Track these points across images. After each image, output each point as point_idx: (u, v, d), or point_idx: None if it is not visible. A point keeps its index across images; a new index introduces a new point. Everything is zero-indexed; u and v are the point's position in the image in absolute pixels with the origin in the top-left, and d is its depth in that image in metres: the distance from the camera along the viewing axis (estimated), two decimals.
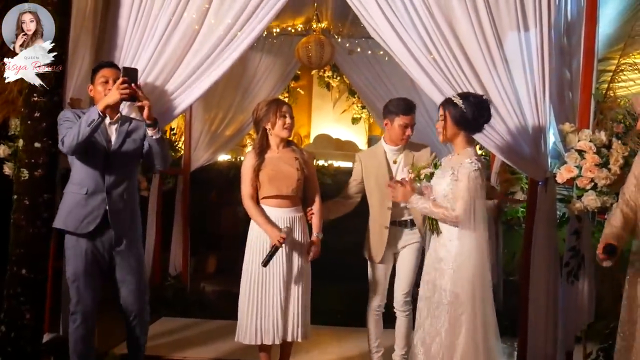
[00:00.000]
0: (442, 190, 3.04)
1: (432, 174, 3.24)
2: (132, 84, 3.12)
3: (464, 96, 3.06)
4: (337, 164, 9.20)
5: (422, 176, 3.27)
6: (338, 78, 9.39)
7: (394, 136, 3.70)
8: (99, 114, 3.07)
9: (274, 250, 3.36)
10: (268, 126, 3.53)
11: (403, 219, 3.70)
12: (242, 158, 7.82)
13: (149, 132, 3.20)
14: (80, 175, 3.22)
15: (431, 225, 3.12)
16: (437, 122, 3.13)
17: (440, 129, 3.08)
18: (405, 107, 3.67)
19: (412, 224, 3.69)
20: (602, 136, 3.28)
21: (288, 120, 3.52)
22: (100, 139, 3.20)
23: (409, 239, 3.69)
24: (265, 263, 3.37)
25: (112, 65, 3.38)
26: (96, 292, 3.28)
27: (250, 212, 3.52)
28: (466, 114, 3.00)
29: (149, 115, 3.16)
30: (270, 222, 3.45)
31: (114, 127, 3.28)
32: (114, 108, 3.24)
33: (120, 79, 3.12)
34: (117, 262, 3.28)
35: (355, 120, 10.25)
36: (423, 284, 3.13)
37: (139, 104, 3.16)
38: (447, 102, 3.08)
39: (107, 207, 3.21)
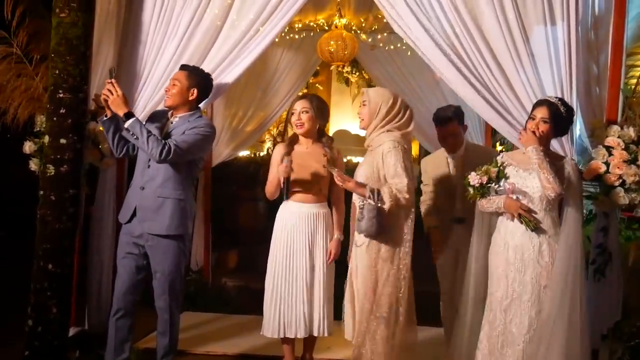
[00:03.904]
0: (540, 190, 3.01)
1: (502, 173, 3.13)
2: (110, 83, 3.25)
3: (562, 101, 3.11)
4: (356, 159, 9.18)
5: (493, 177, 3.13)
6: (357, 73, 9.35)
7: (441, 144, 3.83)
8: (102, 118, 3.32)
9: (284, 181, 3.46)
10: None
11: None
12: (262, 154, 7.86)
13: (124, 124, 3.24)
14: (135, 171, 3.42)
15: (528, 221, 3.03)
16: (535, 123, 3.06)
17: (543, 131, 3.04)
18: (436, 119, 3.80)
19: None
20: (631, 132, 3.23)
21: (295, 117, 3.54)
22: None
23: None
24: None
25: (183, 67, 3.48)
26: (128, 283, 3.36)
27: (269, 184, 3.57)
28: (564, 119, 3.08)
29: (114, 111, 3.23)
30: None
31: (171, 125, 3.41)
32: (174, 108, 3.40)
33: (106, 81, 3.26)
34: (149, 257, 3.36)
35: None
36: (510, 283, 3.08)
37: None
38: (552, 105, 3.06)
39: (137, 202, 3.32)
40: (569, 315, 2.95)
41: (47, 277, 3.30)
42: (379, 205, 3.09)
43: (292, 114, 3.55)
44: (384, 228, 3.12)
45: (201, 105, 3.53)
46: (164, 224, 3.30)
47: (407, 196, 3.11)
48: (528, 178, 3.07)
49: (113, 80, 3.24)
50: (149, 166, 3.33)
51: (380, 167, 3.20)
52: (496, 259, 3.15)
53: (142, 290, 3.45)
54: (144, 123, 3.40)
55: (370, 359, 3.18)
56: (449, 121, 3.73)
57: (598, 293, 3.36)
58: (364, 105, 3.32)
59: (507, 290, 3.07)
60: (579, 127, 3.48)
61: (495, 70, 3.37)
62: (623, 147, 3.20)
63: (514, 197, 3.06)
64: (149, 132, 3.21)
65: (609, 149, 3.24)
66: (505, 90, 3.36)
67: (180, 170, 3.33)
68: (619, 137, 3.23)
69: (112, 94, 3.20)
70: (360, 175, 3.26)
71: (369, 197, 3.10)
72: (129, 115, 3.21)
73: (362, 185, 3.17)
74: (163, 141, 3.21)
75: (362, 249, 3.23)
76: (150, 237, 3.31)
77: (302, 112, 3.52)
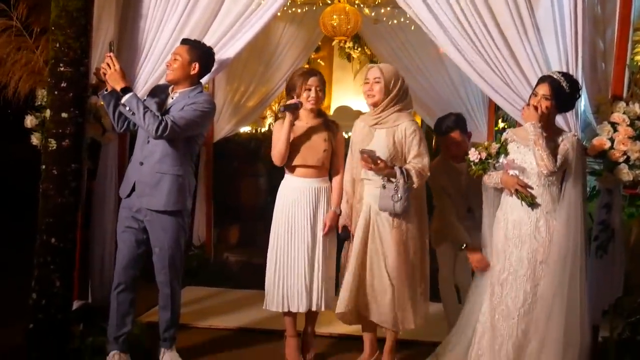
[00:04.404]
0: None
1: (502, 149, 3.18)
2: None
3: (566, 76, 3.06)
4: None
5: (493, 152, 3.20)
6: (359, 49, 9.28)
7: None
8: (102, 92, 3.29)
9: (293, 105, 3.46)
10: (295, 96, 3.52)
11: None
12: (263, 129, 7.83)
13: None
14: (135, 146, 3.41)
15: (524, 197, 3.07)
16: (537, 99, 3.04)
17: (546, 107, 3.02)
18: (437, 128, 3.80)
19: None
20: (637, 108, 3.21)
21: (312, 93, 3.50)
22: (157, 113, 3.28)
23: None
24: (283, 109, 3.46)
25: (184, 41, 3.43)
26: (128, 257, 3.37)
27: (278, 142, 3.51)
28: (568, 95, 3.04)
29: (112, 85, 3.23)
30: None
31: (171, 100, 3.38)
32: (175, 83, 3.37)
33: (106, 55, 3.23)
34: (148, 232, 3.36)
35: None
36: (507, 257, 3.13)
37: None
38: (554, 81, 3.03)
39: (136, 177, 3.31)
40: (568, 291, 2.99)
41: (50, 251, 3.30)
42: (411, 184, 3.24)
43: (308, 89, 3.49)
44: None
45: (203, 80, 3.50)
46: (161, 200, 3.30)
47: (429, 174, 3.34)
48: (527, 154, 3.08)
49: (112, 54, 3.22)
50: (148, 142, 3.32)
51: (403, 146, 3.31)
52: (497, 234, 3.20)
53: (143, 264, 3.46)
54: (144, 98, 3.37)
55: (401, 327, 3.39)
56: (450, 130, 3.71)
57: (600, 269, 3.37)
58: (376, 82, 3.33)
59: (505, 264, 3.13)
60: (583, 103, 3.46)
61: (500, 44, 3.33)
62: (628, 123, 3.18)
63: (512, 172, 3.07)
64: (145, 107, 3.19)
65: (614, 125, 3.22)
66: (511, 65, 3.33)
67: (179, 146, 3.32)
68: (624, 113, 3.21)
69: (110, 67, 3.18)
70: (377, 151, 3.28)
71: (401, 178, 3.21)
72: (126, 90, 3.20)
73: (390, 167, 3.25)
74: (160, 117, 3.18)
75: (386, 227, 3.31)
76: (149, 213, 3.32)
77: (318, 90, 3.51)
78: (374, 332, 3.54)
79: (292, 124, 3.46)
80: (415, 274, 3.39)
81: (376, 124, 3.38)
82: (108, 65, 3.20)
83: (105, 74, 3.22)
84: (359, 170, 3.41)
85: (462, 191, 3.71)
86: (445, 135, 3.72)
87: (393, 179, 3.23)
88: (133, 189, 3.33)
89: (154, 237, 3.35)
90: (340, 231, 3.50)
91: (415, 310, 3.38)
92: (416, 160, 3.32)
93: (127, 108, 3.18)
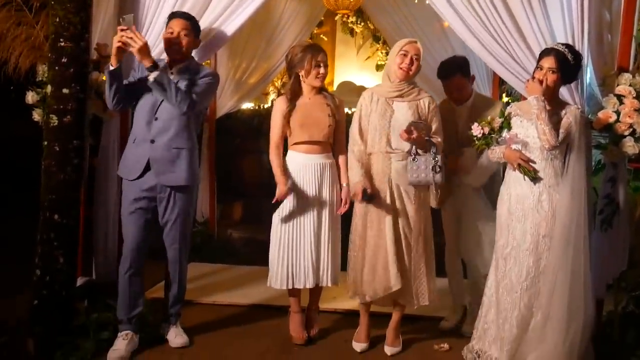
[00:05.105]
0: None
1: (506, 124, 3.18)
2: (128, 31, 3.07)
3: (569, 47, 3.04)
4: None
5: (496, 127, 3.20)
6: (362, 24, 9.19)
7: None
8: (108, 68, 3.14)
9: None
10: (302, 73, 3.47)
11: None
12: (266, 106, 7.79)
13: (149, 76, 3.11)
14: (134, 124, 3.34)
15: (526, 171, 3.08)
16: (543, 73, 3.02)
17: (553, 81, 3.01)
18: (440, 72, 3.74)
19: None
20: None
21: (322, 70, 3.46)
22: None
23: None
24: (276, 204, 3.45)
25: (181, 15, 3.34)
26: (138, 238, 3.33)
27: (272, 161, 3.50)
28: (572, 66, 3.02)
29: (141, 60, 3.10)
30: (285, 176, 3.45)
31: (171, 77, 3.28)
32: (180, 60, 3.30)
33: (119, 29, 3.09)
34: (161, 209, 3.34)
35: (379, 67, 10.05)
36: (510, 231, 3.14)
37: (130, 49, 3.09)
38: (559, 53, 3.00)
39: (149, 155, 3.26)
40: (572, 265, 2.99)
41: (53, 227, 3.30)
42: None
43: (318, 66, 3.44)
44: None
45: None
46: (181, 175, 3.30)
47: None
48: (530, 128, 3.08)
49: (133, 27, 3.10)
50: (156, 118, 3.27)
51: (426, 119, 3.36)
52: (501, 208, 3.22)
53: (150, 244, 3.44)
54: (140, 75, 3.30)
55: (416, 302, 3.43)
56: (452, 74, 3.65)
57: (604, 243, 3.36)
58: (417, 59, 3.31)
59: (508, 238, 3.15)
60: (589, 76, 3.42)
61: (505, 17, 3.29)
62: (634, 95, 3.15)
63: (514, 147, 3.06)
64: (175, 83, 3.16)
65: (619, 97, 3.19)
66: (516, 38, 3.29)
67: (190, 121, 3.33)
68: (630, 85, 3.18)
69: (136, 42, 3.05)
70: (402, 123, 3.28)
71: (432, 150, 3.26)
72: (155, 66, 3.11)
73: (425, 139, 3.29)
74: (192, 94, 3.19)
75: (408, 202, 3.36)
76: (164, 189, 3.30)
77: (325, 66, 3.47)
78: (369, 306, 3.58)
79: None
80: (428, 248, 3.43)
81: (399, 96, 3.37)
82: (132, 39, 3.05)
83: (121, 49, 3.08)
84: (380, 143, 3.35)
85: (456, 136, 3.65)
86: (448, 79, 3.69)
87: (421, 152, 3.26)
88: (146, 169, 3.27)
89: (167, 212, 3.34)
90: (360, 198, 3.38)
91: (430, 285, 3.42)
92: (436, 135, 3.36)
93: (157, 84, 3.10)
